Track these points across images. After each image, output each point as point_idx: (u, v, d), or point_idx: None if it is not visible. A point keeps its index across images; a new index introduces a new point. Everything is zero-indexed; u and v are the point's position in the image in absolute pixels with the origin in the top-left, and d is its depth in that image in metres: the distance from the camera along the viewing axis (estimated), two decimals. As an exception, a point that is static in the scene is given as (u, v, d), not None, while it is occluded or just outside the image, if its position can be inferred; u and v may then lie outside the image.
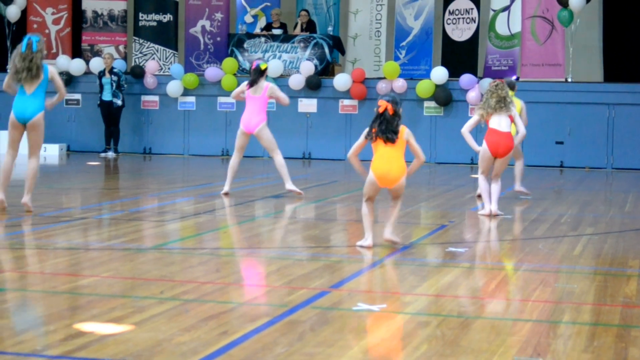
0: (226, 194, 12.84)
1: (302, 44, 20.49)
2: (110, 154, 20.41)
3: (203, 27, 21.55)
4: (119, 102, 20.31)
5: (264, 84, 12.76)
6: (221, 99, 20.83)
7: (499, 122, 11.38)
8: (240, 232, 10.24)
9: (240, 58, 20.77)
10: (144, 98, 21.23)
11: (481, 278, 7.87)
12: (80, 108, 21.38)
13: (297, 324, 5.89)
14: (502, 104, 11.40)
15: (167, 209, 11.83)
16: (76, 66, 21.11)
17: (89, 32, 22.20)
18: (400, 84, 19.72)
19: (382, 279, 7.79)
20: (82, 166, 18.26)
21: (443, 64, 19.97)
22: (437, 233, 10.14)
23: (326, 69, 20.53)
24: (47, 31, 22.02)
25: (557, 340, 5.71)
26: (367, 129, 8.81)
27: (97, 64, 20.82)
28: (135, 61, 21.66)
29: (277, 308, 6.43)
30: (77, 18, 22.33)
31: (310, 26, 20.85)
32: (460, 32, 20.22)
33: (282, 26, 20.96)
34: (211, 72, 20.72)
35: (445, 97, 19.58)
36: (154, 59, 21.53)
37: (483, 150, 11.39)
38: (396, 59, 20.54)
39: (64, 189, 13.68)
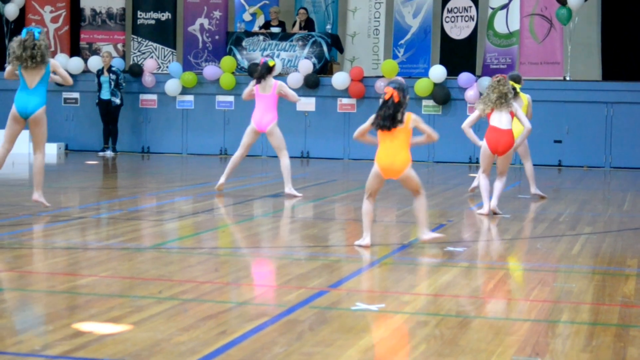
0: (221, 186, 12.78)
1: (300, 42, 20.49)
2: (109, 153, 20.41)
3: (201, 25, 21.53)
4: (118, 101, 20.31)
5: (272, 82, 12.72)
6: (220, 98, 20.83)
7: (499, 119, 11.29)
8: (239, 232, 10.24)
9: (238, 56, 20.76)
10: (142, 97, 21.22)
11: (479, 277, 7.87)
12: (78, 107, 21.37)
13: (295, 324, 5.89)
14: (503, 100, 11.26)
15: (166, 208, 11.82)
16: (74, 65, 21.10)
17: (87, 30, 22.20)
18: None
19: (381, 279, 7.79)
20: (80, 165, 18.25)
21: (441, 63, 19.97)
22: (435, 232, 10.12)
23: (324, 68, 20.53)
24: (45, 29, 21.94)
25: (555, 339, 5.71)
26: (374, 115, 8.76)
27: (95, 63, 20.81)
28: (133, 60, 21.65)
29: (275, 308, 6.43)
30: (76, 16, 22.32)
31: (308, 24, 20.85)
32: (459, 31, 20.21)
33: (281, 24, 20.96)
34: (210, 70, 20.71)
35: (443, 95, 19.58)
36: (152, 57, 21.52)
37: (483, 148, 11.35)
38: (394, 57, 20.54)
39: (62, 188, 13.67)
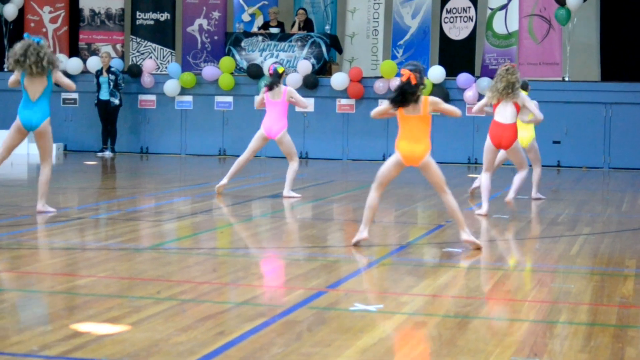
0: (221, 187, 12.76)
1: (299, 43, 20.49)
2: (108, 154, 20.40)
3: (200, 25, 21.53)
4: (116, 101, 20.31)
5: (282, 88, 12.73)
6: (218, 98, 20.83)
7: (503, 113, 11.16)
8: (238, 232, 10.24)
9: (237, 57, 20.76)
10: (141, 97, 21.22)
11: (478, 278, 7.87)
12: (77, 107, 21.36)
13: (294, 324, 5.89)
14: (510, 90, 11.04)
15: (164, 209, 11.82)
16: (73, 65, 21.10)
17: (86, 30, 22.19)
18: (397, 83, 19.69)
19: (379, 279, 7.79)
20: (79, 166, 18.25)
21: (440, 63, 19.97)
22: (434, 233, 10.14)
23: (323, 68, 20.52)
24: (44, 30, 22.00)
25: (554, 340, 5.71)
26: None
27: (94, 63, 20.80)
28: (132, 60, 21.65)
29: (274, 308, 6.43)
30: (75, 17, 22.32)
31: (307, 25, 20.85)
32: (458, 31, 20.22)
33: (280, 25, 20.96)
34: (208, 71, 20.71)
35: (442, 96, 19.54)
36: (151, 57, 21.52)
37: (487, 143, 11.28)
38: (393, 57, 20.54)
39: (61, 188, 13.66)
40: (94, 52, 21.72)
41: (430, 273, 7.89)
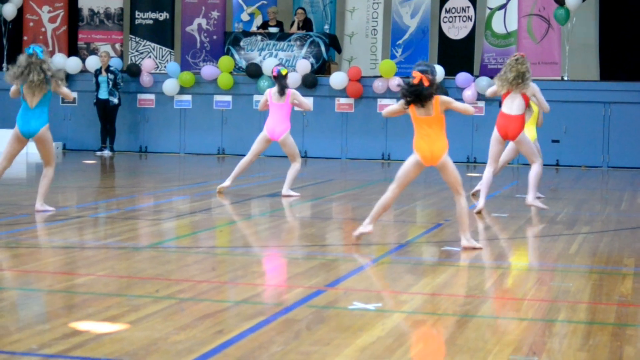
0: (223, 188, 12.76)
1: (298, 42, 20.49)
2: (106, 153, 20.40)
3: (199, 25, 21.53)
4: (115, 101, 20.31)
5: (286, 90, 12.72)
6: (217, 97, 20.82)
7: (510, 104, 11.10)
8: (236, 231, 10.24)
9: (236, 56, 20.76)
10: (140, 96, 21.21)
11: (477, 277, 7.87)
12: (76, 106, 21.36)
13: (293, 323, 5.89)
14: (520, 80, 10.97)
15: (163, 208, 11.82)
16: (72, 64, 21.10)
17: (85, 30, 22.18)
18: (396, 83, 19.71)
19: (378, 278, 7.79)
20: (78, 165, 18.25)
21: (439, 63, 19.97)
22: (432, 232, 10.14)
23: (322, 68, 20.52)
24: (43, 29, 22.01)
25: (552, 339, 5.71)
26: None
27: (93, 62, 20.80)
28: (131, 59, 21.64)
29: (272, 307, 6.43)
30: (74, 16, 22.31)
31: (306, 24, 20.84)
32: (457, 31, 20.22)
33: (279, 24, 20.95)
34: (207, 70, 20.71)
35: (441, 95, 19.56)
36: (150, 57, 21.52)
37: (493, 133, 11.27)
38: (392, 57, 20.55)
39: (59, 187, 13.65)
40: (93, 52, 21.72)
41: (429, 272, 7.89)
